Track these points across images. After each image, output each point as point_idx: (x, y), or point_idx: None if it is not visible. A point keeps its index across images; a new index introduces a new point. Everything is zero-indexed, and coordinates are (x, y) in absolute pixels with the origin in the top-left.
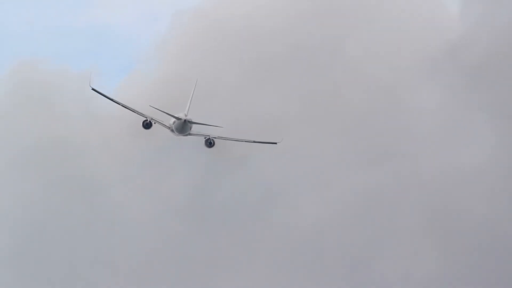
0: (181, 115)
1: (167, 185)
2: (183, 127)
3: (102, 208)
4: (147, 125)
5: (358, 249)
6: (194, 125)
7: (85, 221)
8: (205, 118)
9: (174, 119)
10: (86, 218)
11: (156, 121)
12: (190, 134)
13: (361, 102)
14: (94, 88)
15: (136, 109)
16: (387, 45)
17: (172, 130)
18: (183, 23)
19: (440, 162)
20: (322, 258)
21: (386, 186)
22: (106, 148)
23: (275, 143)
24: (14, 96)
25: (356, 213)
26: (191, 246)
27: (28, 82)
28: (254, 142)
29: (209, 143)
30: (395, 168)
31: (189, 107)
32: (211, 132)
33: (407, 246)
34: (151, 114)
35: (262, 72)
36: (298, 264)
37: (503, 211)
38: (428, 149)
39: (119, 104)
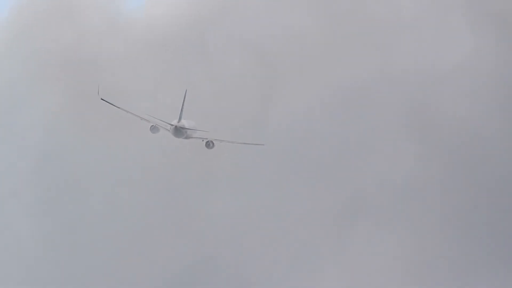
0: (174, 122)
1: None
2: (176, 132)
3: (121, 120)
4: (153, 129)
5: (338, 146)
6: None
7: (103, 131)
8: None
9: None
10: (104, 128)
11: (160, 127)
12: (189, 137)
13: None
14: (103, 98)
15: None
16: None
17: None
18: None
19: (420, 61)
20: (303, 158)
21: (366, 83)
22: (130, 59)
23: (263, 145)
24: (35, 5)
25: (337, 109)
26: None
27: None
28: (244, 143)
29: (208, 144)
30: (374, 65)
31: (180, 115)
32: (208, 135)
33: (386, 144)
34: (154, 120)
35: None
36: (276, 167)
37: (481, 110)
38: (408, 47)
39: (128, 112)
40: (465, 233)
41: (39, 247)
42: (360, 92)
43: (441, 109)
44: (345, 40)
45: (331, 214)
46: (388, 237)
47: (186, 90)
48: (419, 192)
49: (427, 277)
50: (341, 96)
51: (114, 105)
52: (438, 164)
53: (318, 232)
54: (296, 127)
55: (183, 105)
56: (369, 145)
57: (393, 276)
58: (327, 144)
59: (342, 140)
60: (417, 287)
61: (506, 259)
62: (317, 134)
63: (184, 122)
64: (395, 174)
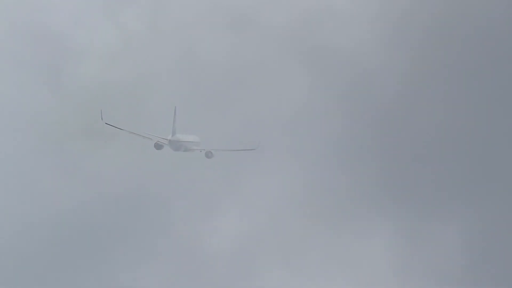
0: (169, 137)
1: None
2: (172, 146)
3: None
4: (157, 146)
5: (225, 75)
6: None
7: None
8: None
9: None
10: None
11: (163, 144)
12: (188, 150)
13: None
14: (108, 122)
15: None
16: None
17: None
18: None
19: None
20: (190, 85)
21: (252, 8)
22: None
23: (253, 149)
24: None
25: (224, 37)
26: None
27: None
28: (236, 150)
29: (207, 155)
30: None
31: (173, 129)
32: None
33: (276, 73)
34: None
35: None
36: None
37: (371, 40)
38: None
39: (133, 133)
40: (357, 161)
41: None
42: (246, 18)
43: (329, 39)
44: None
45: (224, 146)
46: (282, 169)
47: (175, 107)
48: (311, 123)
49: (321, 206)
50: (227, 23)
51: (119, 128)
52: (328, 94)
53: (211, 165)
54: (180, 52)
55: (174, 120)
56: (257, 74)
57: (288, 207)
58: (215, 72)
59: (228, 69)
60: (310, 216)
61: (398, 184)
62: (202, 59)
63: (179, 136)
64: (285, 104)
